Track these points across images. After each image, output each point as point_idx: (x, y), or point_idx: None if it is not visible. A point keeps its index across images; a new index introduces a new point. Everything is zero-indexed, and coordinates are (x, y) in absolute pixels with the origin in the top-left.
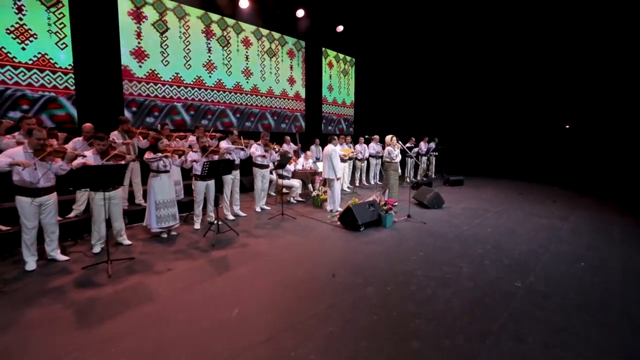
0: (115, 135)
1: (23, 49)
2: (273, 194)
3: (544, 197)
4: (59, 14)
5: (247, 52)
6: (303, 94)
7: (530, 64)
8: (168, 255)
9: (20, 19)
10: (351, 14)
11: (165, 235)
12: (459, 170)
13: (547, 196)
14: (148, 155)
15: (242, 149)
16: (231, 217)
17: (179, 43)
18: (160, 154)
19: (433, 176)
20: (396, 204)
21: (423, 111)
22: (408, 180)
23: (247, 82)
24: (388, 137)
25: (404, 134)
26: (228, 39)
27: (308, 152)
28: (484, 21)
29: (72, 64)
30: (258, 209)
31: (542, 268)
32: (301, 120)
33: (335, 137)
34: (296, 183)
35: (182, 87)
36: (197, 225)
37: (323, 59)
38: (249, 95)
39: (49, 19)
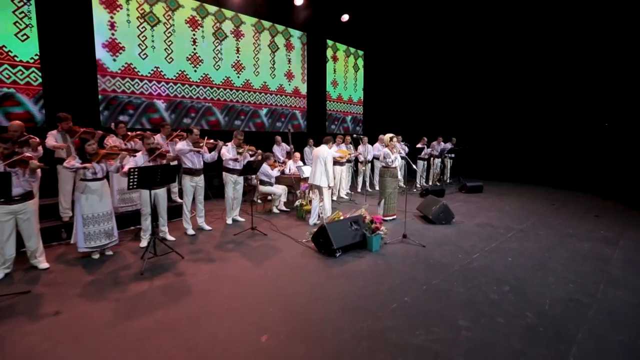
0: (53, 135)
1: None
2: (260, 201)
3: (583, 210)
4: (19, 2)
5: (238, 44)
6: (303, 90)
7: (564, 51)
8: (76, 287)
9: None
10: (359, 2)
11: (96, 256)
12: (478, 174)
13: (587, 209)
14: (67, 163)
15: (198, 151)
16: (191, 231)
17: (159, 34)
18: (77, 164)
19: (448, 181)
20: (393, 218)
21: (439, 108)
22: (418, 186)
23: (238, 77)
24: (386, 136)
25: (417, 132)
26: (216, 29)
27: (297, 154)
28: (509, 5)
29: (38, 57)
30: (229, 221)
31: (589, 335)
32: (299, 119)
33: (330, 138)
34: (278, 190)
35: (162, 83)
36: (143, 243)
37: (327, 52)
38: (240, 91)
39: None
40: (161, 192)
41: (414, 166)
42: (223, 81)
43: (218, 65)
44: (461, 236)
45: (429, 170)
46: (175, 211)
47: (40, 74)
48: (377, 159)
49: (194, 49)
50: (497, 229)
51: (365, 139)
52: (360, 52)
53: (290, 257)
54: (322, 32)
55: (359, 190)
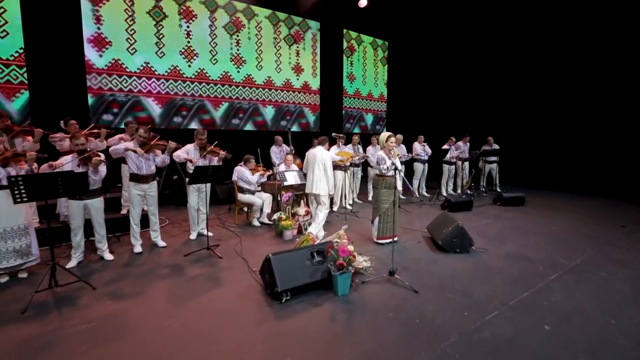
0: None
1: None
2: (231, 210)
3: None
4: None
5: (237, 36)
6: (314, 85)
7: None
8: None
9: None
10: None
11: (4, 280)
12: (521, 182)
13: None
14: None
15: (134, 151)
16: (138, 249)
17: (149, 27)
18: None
19: (483, 190)
20: (391, 241)
21: (474, 104)
22: (444, 194)
23: (238, 72)
24: (382, 136)
25: (448, 132)
26: (213, 20)
27: (288, 157)
28: None
29: (18, 55)
30: (192, 236)
31: None
32: (308, 117)
33: (326, 138)
34: (258, 200)
35: (153, 79)
36: (71, 263)
37: (344, 43)
38: (239, 87)
39: None
40: (95, 203)
41: (408, 183)
42: (221, 76)
43: (215, 59)
44: (478, 275)
45: (456, 176)
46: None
47: (20, 71)
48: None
49: (188, 42)
50: (535, 264)
51: (375, 139)
52: (381, 42)
53: (225, 296)
54: (338, 20)
55: (370, 198)
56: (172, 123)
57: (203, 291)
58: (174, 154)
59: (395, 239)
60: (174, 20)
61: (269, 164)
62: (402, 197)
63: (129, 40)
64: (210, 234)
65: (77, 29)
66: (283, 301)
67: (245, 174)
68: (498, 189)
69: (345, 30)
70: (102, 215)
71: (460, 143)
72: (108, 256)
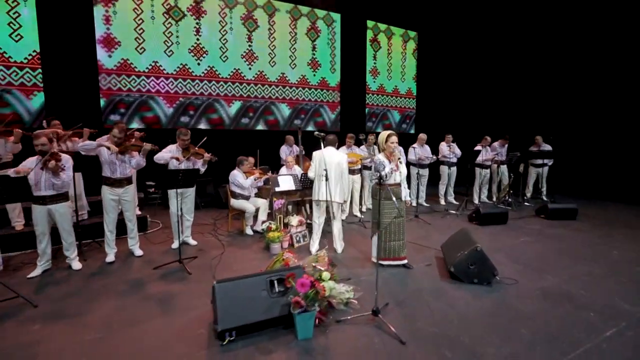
0: None
1: None
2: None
3: None
4: (13, 2)
5: (250, 32)
6: (333, 81)
7: None
8: None
9: None
10: None
11: None
12: (573, 190)
13: None
14: None
15: (108, 147)
16: (111, 258)
17: (158, 26)
18: None
19: (525, 199)
20: (399, 263)
21: (515, 100)
22: (476, 201)
23: (250, 69)
24: (381, 136)
25: (483, 131)
26: (223, 16)
27: (289, 159)
28: None
29: (32, 58)
30: (174, 245)
31: None
32: (325, 115)
33: (335, 137)
34: (250, 207)
35: (161, 78)
36: (35, 272)
37: (368, 35)
38: (251, 84)
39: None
40: (60, 209)
41: (405, 190)
42: (231, 74)
43: (225, 56)
44: (497, 322)
45: (492, 181)
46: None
47: (34, 73)
48: (415, 164)
49: (197, 39)
50: (586, 309)
51: (396, 137)
52: (412, 34)
53: (166, 327)
54: (362, 11)
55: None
56: (179, 123)
57: (145, 318)
58: (156, 156)
59: (403, 262)
60: (183, 18)
61: (277, 166)
62: (424, 204)
63: (137, 39)
64: (194, 242)
65: (89, 31)
66: (225, 343)
67: (237, 177)
68: (544, 197)
69: (369, 22)
70: (69, 221)
71: (496, 144)
72: (76, 265)
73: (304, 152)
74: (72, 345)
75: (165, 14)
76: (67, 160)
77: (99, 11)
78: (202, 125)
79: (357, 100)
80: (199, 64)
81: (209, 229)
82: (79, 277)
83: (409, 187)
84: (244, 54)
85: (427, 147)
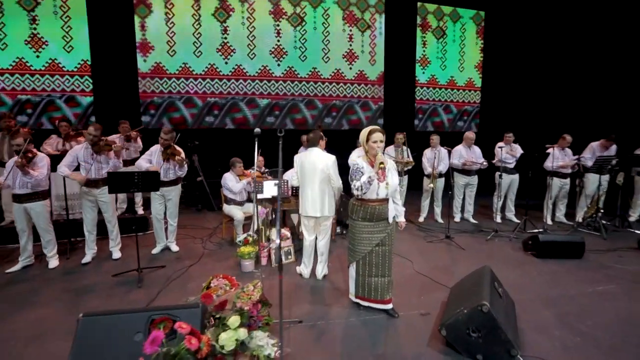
0: None
1: (37, 56)
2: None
3: None
4: (65, 17)
5: (278, 25)
6: (373, 75)
7: None
8: None
9: (35, 28)
10: None
11: None
12: None
13: None
14: None
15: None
16: (87, 259)
17: (187, 27)
18: None
19: (628, 223)
20: (383, 308)
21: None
22: (548, 221)
23: (279, 65)
24: (362, 134)
25: (563, 129)
26: (251, 12)
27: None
28: None
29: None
30: (155, 250)
31: None
32: (360, 112)
33: (320, 134)
34: (238, 213)
35: (190, 79)
36: (15, 267)
37: (417, 19)
38: (279, 81)
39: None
40: (36, 207)
41: (396, 209)
42: (259, 72)
43: (253, 53)
44: None
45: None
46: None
47: (82, 80)
48: (460, 171)
49: (225, 38)
50: None
51: (436, 138)
52: (471, 13)
53: (38, 355)
54: None
55: (421, 219)
56: (204, 123)
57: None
58: (136, 162)
59: (386, 307)
60: (211, 18)
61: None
62: (471, 220)
63: (169, 43)
64: (176, 248)
65: (130, 38)
66: None
67: (227, 180)
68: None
69: (420, 4)
70: (45, 219)
71: (595, 145)
72: (52, 263)
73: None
74: None
75: (194, 16)
76: (41, 159)
77: (138, 19)
78: (229, 125)
79: (404, 94)
80: (226, 63)
81: (206, 234)
82: (46, 276)
83: (452, 197)
84: (272, 50)
85: (476, 149)
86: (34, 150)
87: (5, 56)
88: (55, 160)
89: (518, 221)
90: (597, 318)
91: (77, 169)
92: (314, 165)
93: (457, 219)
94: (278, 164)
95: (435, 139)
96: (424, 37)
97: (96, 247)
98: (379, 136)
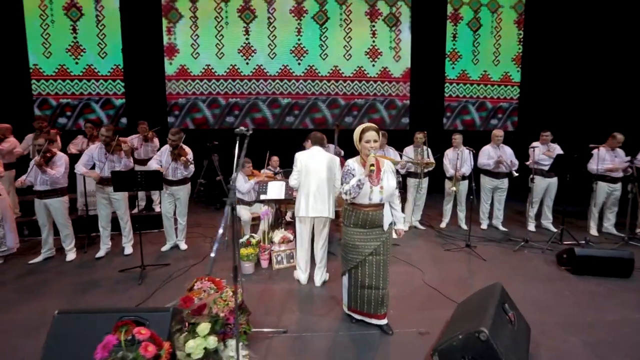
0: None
1: (76, 63)
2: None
3: None
4: (101, 25)
5: (299, 23)
6: (397, 72)
7: None
8: None
9: (75, 37)
10: None
11: None
12: None
13: None
14: None
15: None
16: (100, 253)
17: (210, 30)
18: None
19: None
20: (378, 323)
21: None
22: (594, 232)
23: (299, 64)
24: (357, 130)
25: (608, 127)
26: (272, 12)
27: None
28: None
29: (114, 70)
30: (165, 247)
31: None
32: (383, 110)
33: (323, 136)
34: (245, 214)
35: (212, 81)
36: (37, 258)
37: (448, 9)
38: (300, 80)
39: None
40: (54, 203)
41: (394, 215)
42: (279, 71)
43: (274, 53)
44: None
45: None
46: (153, 221)
47: (114, 84)
48: (485, 171)
49: (247, 38)
50: None
51: (458, 137)
52: (512, 1)
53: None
54: None
55: (443, 225)
56: (224, 123)
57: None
58: (149, 163)
59: (380, 323)
60: (233, 20)
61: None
62: (501, 227)
63: (192, 45)
64: (184, 247)
65: (158, 42)
66: None
67: (236, 181)
68: None
69: None
70: (63, 214)
71: None
72: (69, 256)
73: (342, 153)
74: None
75: (217, 18)
76: (59, 159)
77: (165, 23)
78: (248, 125)
79: (431, 91)
80: (247, 63)
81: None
82: (61, 269)
83: (477, 201)
84: (293, 48)
85: (507, 149)
86: (54, 150)
87: (50, 63)
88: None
89: (556, 230)
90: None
91: (94, 167)
92: (321, 164)
93: (484, 225)
94: (266, 164)
95: (457, 138)
96: (455, 29)
97: (110, 242)
98: (372, 135)
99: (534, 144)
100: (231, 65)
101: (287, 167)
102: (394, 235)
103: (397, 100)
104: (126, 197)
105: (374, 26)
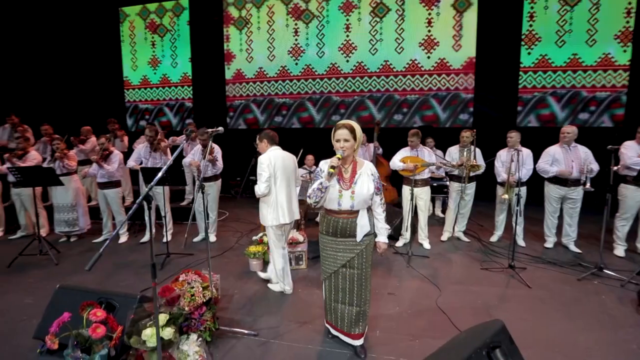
0: None
1: (154, 73)
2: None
3: None
4: (173, 39)
5: (347, 19)
6: (457, 62)
7: None
8: None
9: (153, 51)
10: None
11: (63, 239)
12: None
13: None
14: None
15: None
16: (145, 239)
17: (262, 33)
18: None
19: None
20: (356, 343)
21: None
22: None
23: (347, 61)
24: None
25: None
26: (320, 10)
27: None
28: None
29: (182, 78)
30: (197, 238)
31: None
32: (436, 107)
33: (275, 133)
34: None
35: (264, 82)
36: (99, 239)
37: None
38: (348, 78)
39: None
40: (110, 193)
41: (376, 218)
42: (327, 70)
43: (322, 52)
44: None
45: None
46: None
47: (183, 89)
48: (550, 179)
49: (295, 39)
50: None
51: (515, 135)
52: None
53: None
54: None
55: (494, 239)
56: (273, 122)
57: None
58: (184, 160)
59: (354, 343)
60: (282, 22)
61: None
62: (574, 249)
63: (247, 50)
64: (213, 239)
65: (219, 50)
66: (38, 351)
67: None
68: None
69: None
70: (117, 203)
71: None
72: (122, 239)
73: (380, 151)
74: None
75: (269, 22)
76: (115, 156)
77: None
78: (296, 125)
79: (501, 82)
80: (296, 64)
81: (251, 228)
82: (114, 248)
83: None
84: (341, 46)
85: (581, 150)
86: (112, 148)
87: (136, 75)
88: None
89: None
90: None
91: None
92: (289, 164)
93: (550, 244)
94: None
95: (514, 136)
96: (532, 7)
97: (155, 229)
98: (341, 134)
99: (627, 143)
100: (281, 66)
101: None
102: (379, 250)
103: (456, 94)
104: (166, 190)
105: (429, 14)
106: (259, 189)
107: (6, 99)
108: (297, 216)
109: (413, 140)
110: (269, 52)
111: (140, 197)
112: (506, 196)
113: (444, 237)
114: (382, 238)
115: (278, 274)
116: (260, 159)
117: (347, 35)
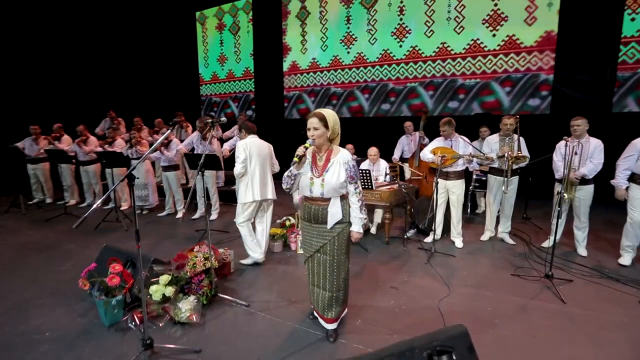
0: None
1: (222, 69)
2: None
3: None
4: (237, 36)
5: (402, 3)
6: (529, 39)
7: None
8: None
9: (221, 50)
10: None
11: (138, 211)
12: None
13: None
14: None
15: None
16: (197, 215)
17: (317, 25)
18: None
19: None
20: (329, 327)
21: None
22: None
23: (400, 47)
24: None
25: None
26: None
27: (371, 151)
28: None
29: (245, 72)
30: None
31: None
32: (499, 92)
33: (252, 125)
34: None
35: (317, 72)
36: (162, 213)
37: None
38: (401, 64)
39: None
40: (169, 175)
41: (351, 207)
42: (379, 57)
43: (374, 38)
44: None
45: None
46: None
47: (245, 82)
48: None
49: (347, 28)
50: None
51: (582, 123)
52: None
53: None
54: None
55: (547, 244)
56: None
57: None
58: (225, 144)
59: (327, 327)
60: (336, 12)
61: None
62: (623, 263)
63: (302, 42)
64: (214, 216)
65: (277, 44)
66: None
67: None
68: None
69: None
70: (175, 184)
71: None
72: (179, 215)
73: (426, 140)
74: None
75: (322, 12)
76: (173, 144)
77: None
78: (345, 114)
79: (595, 58)
80: (348, 52)
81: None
82: (172, 222)
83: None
84: (394, 30)
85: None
86: (173, 137)
87: (207, 71)
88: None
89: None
90: None
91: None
92: (264, 150)
93: (627, 260)
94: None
95: (581, 124)
96: None
97: (204, 207)
98: (312, 122)
99: None
100: (334, 56)
101: (363, 155)
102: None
103: (527, 76)
104: (214, 174)
105: None
106: (236, 169)
107: (108, 96)
108: (271, 196)
109: (445, 130)
110: (322, 42)
111: (194, 181)
112: (566, 195)
113: (485, 237)
114: (356, 227)
115: (245, 246)
116: (238, 144)
117: (401, 19)
